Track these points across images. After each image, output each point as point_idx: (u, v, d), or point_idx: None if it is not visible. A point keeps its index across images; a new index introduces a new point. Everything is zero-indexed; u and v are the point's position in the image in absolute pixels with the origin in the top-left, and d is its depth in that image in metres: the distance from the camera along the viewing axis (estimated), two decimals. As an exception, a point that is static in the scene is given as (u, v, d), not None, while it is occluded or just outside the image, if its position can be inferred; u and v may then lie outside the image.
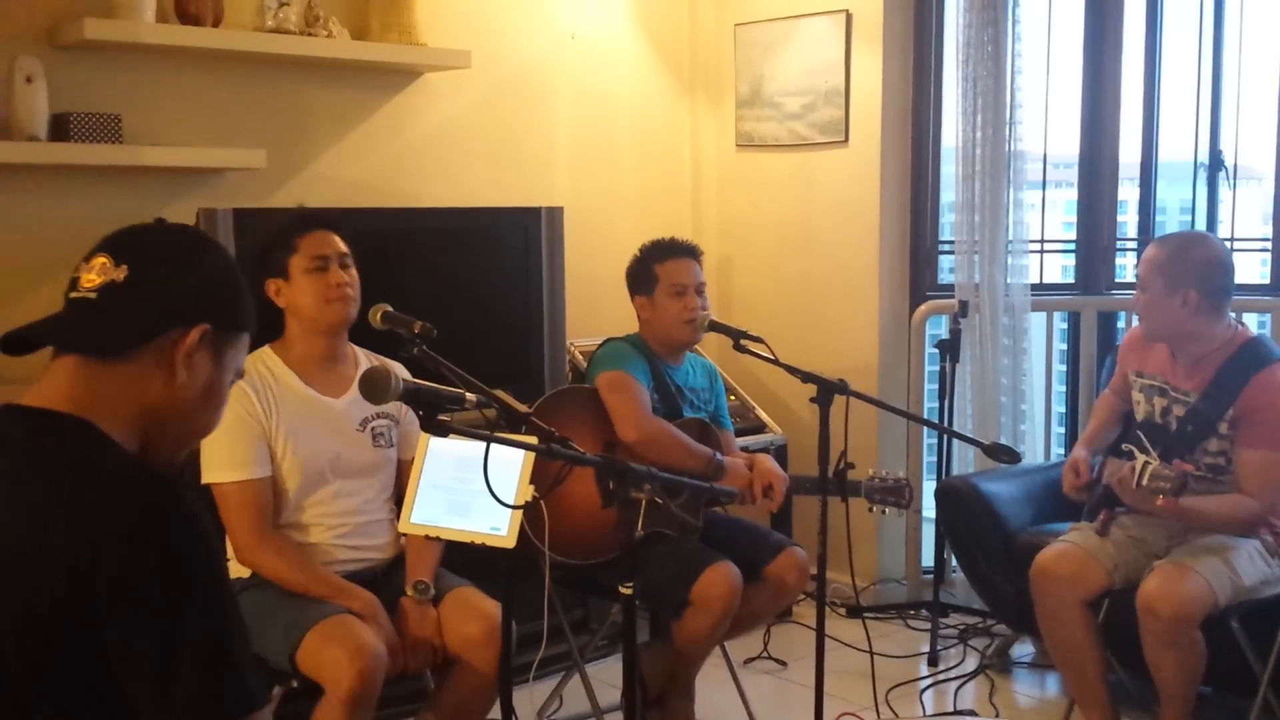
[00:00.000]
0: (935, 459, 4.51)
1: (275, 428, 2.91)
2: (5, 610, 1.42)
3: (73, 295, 1.57)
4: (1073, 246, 4.73)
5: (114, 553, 1.40)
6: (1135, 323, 4.46)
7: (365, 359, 3.09)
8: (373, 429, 3.05)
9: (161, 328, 1.56)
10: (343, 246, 3.02)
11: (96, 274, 1.56)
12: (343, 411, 3.01)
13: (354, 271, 3.02)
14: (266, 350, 3.00)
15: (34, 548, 1.42)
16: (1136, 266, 3.46)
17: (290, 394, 2.96)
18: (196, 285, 1.60)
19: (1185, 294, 3.28)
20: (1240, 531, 3.27)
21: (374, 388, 2.16)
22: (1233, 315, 3.46)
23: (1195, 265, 3.30)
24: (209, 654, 1.44)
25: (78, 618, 1.40)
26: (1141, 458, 3.08)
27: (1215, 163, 4.40)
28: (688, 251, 3.66)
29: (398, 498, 3.06)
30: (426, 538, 2.76)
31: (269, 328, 2.98)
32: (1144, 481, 3.03)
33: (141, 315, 1.56)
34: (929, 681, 4.09)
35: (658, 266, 3.62)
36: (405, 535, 2.92)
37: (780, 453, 4.51)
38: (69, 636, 1.41)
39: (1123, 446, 3.29)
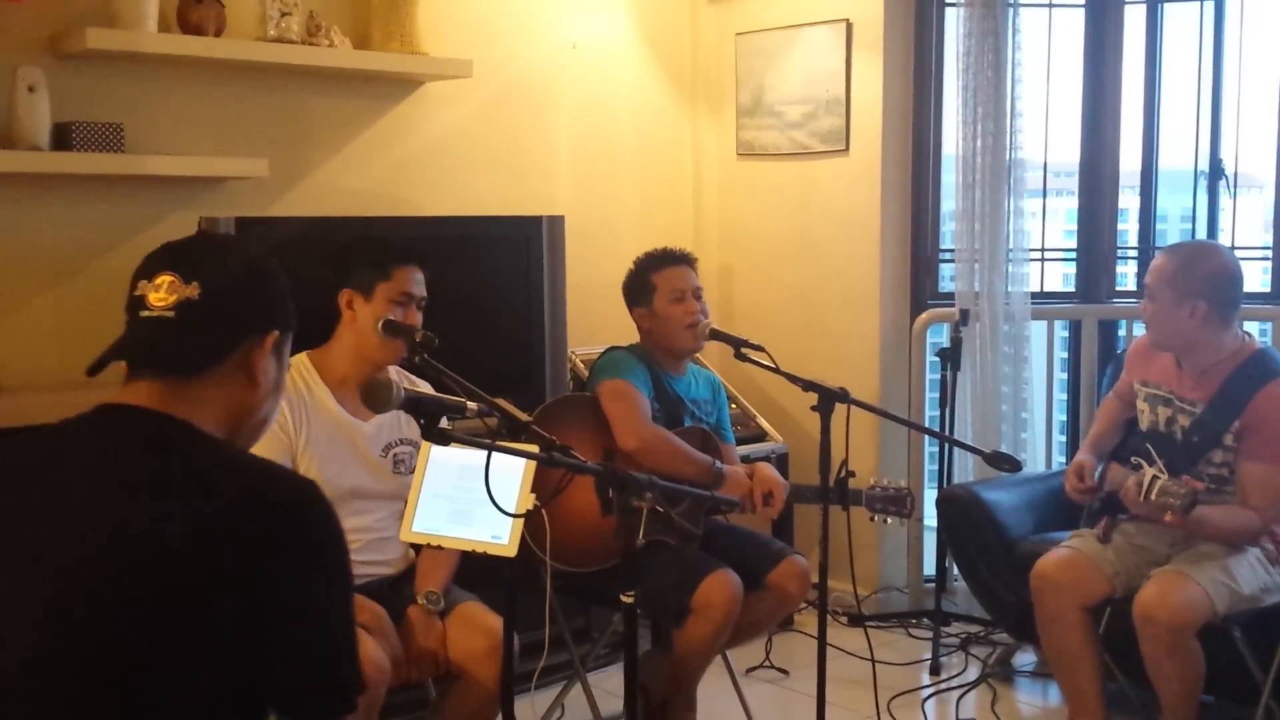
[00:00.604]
0: (936, 467, 4.51)
1: (302, 445, 2.91)
2: (132, 605, 1.46)
3: (145, 315, 1.63)
4: (1073, 255, 4.74)
5: (284, 548, 1.50)
6: (1137, 331, 4.48)
7: (397, 377, 3.07)
8: (395, 455, 3.05)
9: (241, 340, 1.66)
10: (424, 290, 3.02)
11: (166, 292, 1.62)
12: (370, 435, 3.01)
13: (421, 316, 3.01)
14: (304, 359, 2.99)
15: (168, 545, 1.47)
16: (1145, 275, 3.45)
17: (322, 412, 2.95)
18: (266, 296, 1.71)
19: (1194, 305, 3.27)
20: (1243, 542, 3.27)
21: (374, 396, 2.16)
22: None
23: (1205, 277, 3.29)
24: (344, 645, 1.56)
25: (214, 613, 1.46)
26: (1149, 471, 3.08)
27: (1216, 171, 4.41)
28: (682, 259, 3.67)
29: None
30: (431, 547, 2.75)
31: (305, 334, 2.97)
32: (1152, 496, 3.03)
33: (223, 331, 1.65)
34: (931, 690, 4.08)
35: (654, 275, 3.62)
36: (421, 547, 2.91)
37: (781, 461, 4.51)
38: (196, 630, 1.46)
39: (1131, 460, 3.29)
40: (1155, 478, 3.04)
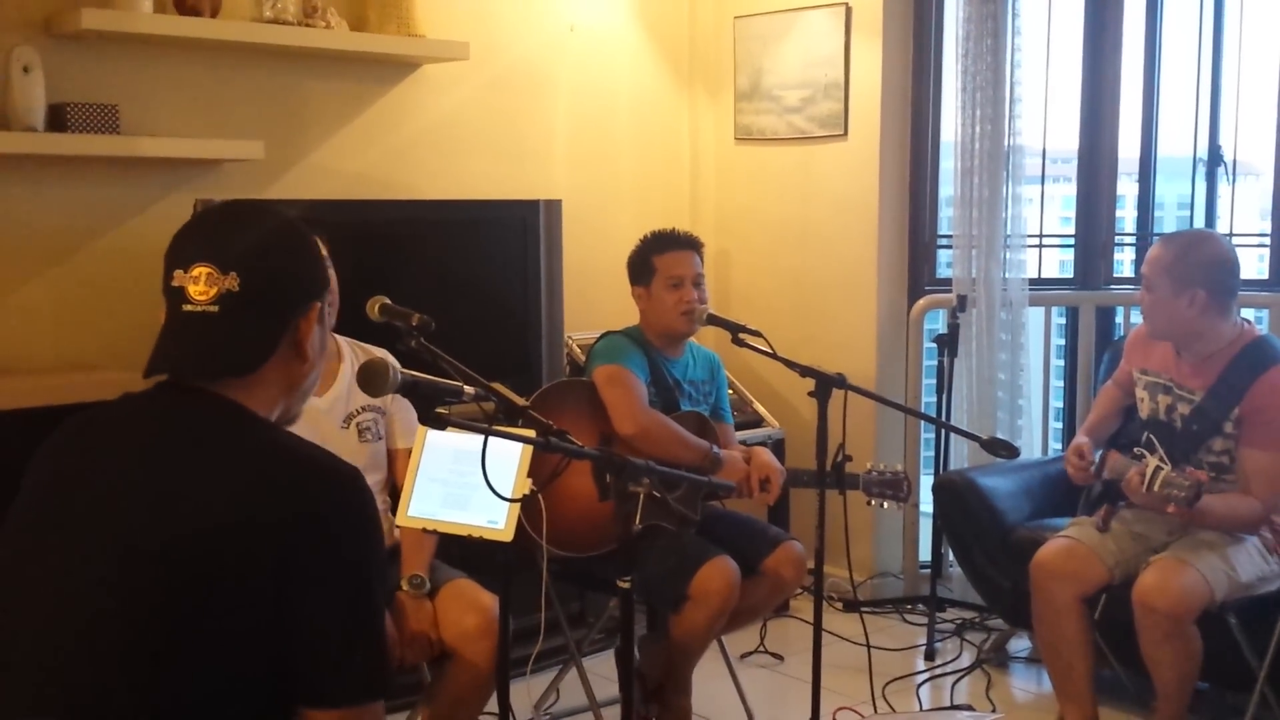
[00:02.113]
0: (933, 453, 4.51)
1: None
2: (195, 579, 1.51)
3: (188, 309, 1.63)
4: (1071, 241, 4.73)
5: (319, 533, 1.53)
6: (1134, 318, 4.48)
7: (350, 350, 3.05)
8: (358, 424, 3.01)
9: (287, 323, 1.68)
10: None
11: (205, 284, 1.63)
12: (326, 410, 2.96)
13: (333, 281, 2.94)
14: None
15: (216, 523, 1.52)
16: (1142, 265, 3.45)
17: None
18: (301, 272, 1.71)
19: (1193, 294, 3.27)
20: (1244, 531, 3.27)
21: (372, 380, 2.15)
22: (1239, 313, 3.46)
23: (1203, 265, 3.28)
24: (373, 631, 1.59)
25: (252, 592, 1.51)
26: (1152, 461, 3.07)
27: (1214, 158, 4.40)
28: (687, 243, 3.65)
29: (391, 488, 3.05)
30: (426, 530, 2.75)
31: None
32: (1155, 487, 3.03)
33: (269, 321, 1.67)
34: (926, 676, 4.09)
35: (656, 258, 3.61)
36: (400, 528, 2.91)
37: (778, 447, 4.51)
38: (235, 606, 1.51)
39: (1134, 451, 3.28)
40: (1158, 468, 3.04)
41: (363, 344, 3.05)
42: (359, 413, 3.02)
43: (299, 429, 2.85)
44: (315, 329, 1.72)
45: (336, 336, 3.04)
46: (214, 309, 1.62)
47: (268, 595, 1.51)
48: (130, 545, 1.53)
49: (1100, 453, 3.51)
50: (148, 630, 1.50)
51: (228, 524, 1.52)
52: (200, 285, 1.63)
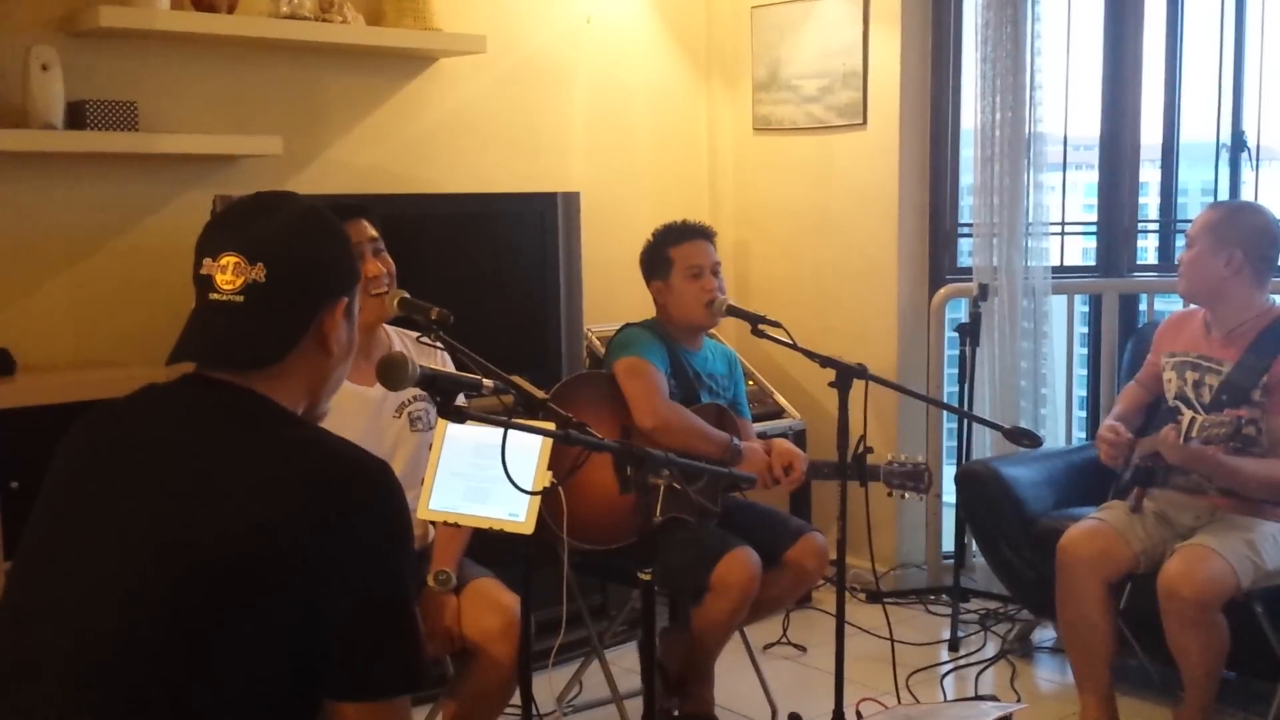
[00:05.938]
0: (955, 443, 4.49)
1: None
2: (224, 576, 1.51)
3: (214, 297, 1.64)
4: (1093, 229, 4.70)
5: (347, 528, 1.53)
6: (1158, 305, 4.47)
7: (399, 340, 3.04)
8: (409, 413, 3.01)
9: (312, 317, 1.68)
10: (373, 231, 2.92)
11: (233, 274, 1.63)
12: (379, 399, 2.95)
13: (388, 257, 2.92)
14: None
15: (246, 518, 1.52)
16: (1165, 249, 3.48)
17: None
18: (330, 262, 1.71)
19: (1231, 254, 3.35)
20: (1274, 495, 3.26)
21: (391, 374, 2.14)
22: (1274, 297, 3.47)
23: (1246, 229, 3.38)
24: (405, 625, 1.58)
25: (283, 588, 1.50)
26: (1189, 414, 3.10)
27: (1237, 143, 4.37)
28: (701, 233, 3.64)
29: None
30: (447, 524, 2.75)
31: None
32: (1194, 433, 3.05)
33: (294, 312, 1.66)
34: (950, 667, 4.07)
35: (672, 250, 3.60)
36: (434, 524, 2.90)
37: (799, 438, 4.50)
38: (266, 603, 1.51)
39: (1169, 404, 3.31)
40: (1194, 418, 3.07)
41: (411, 334, 3.01)
42: (411, 402, 3.00)
43: (354, 416, 2.89)
44: (342, 323, 1.71)
45: (387, 328, 3.02)
46: (239, 299, 1.62)
47: (298, 589, 1.50)
48: (159, 540, 1.53)
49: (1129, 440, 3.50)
50: (178, 624, 1.50)
51: (257, 519, 1.52)
52: (227, 275, 1.63)
